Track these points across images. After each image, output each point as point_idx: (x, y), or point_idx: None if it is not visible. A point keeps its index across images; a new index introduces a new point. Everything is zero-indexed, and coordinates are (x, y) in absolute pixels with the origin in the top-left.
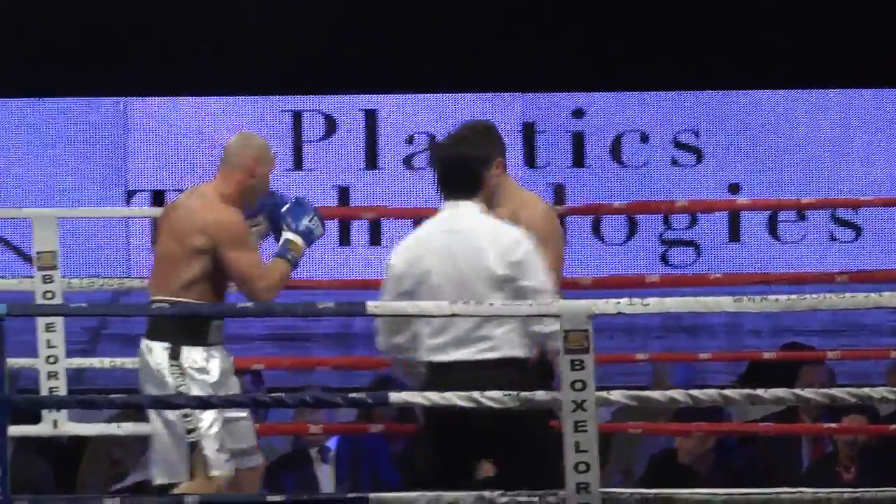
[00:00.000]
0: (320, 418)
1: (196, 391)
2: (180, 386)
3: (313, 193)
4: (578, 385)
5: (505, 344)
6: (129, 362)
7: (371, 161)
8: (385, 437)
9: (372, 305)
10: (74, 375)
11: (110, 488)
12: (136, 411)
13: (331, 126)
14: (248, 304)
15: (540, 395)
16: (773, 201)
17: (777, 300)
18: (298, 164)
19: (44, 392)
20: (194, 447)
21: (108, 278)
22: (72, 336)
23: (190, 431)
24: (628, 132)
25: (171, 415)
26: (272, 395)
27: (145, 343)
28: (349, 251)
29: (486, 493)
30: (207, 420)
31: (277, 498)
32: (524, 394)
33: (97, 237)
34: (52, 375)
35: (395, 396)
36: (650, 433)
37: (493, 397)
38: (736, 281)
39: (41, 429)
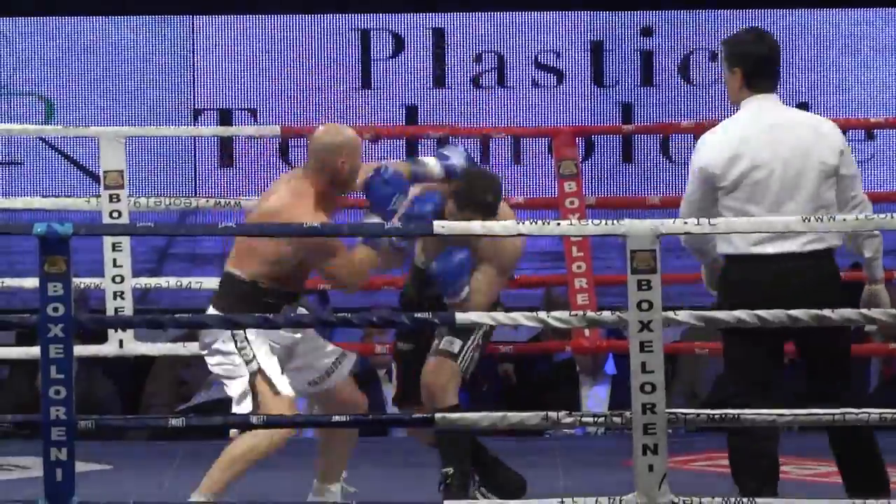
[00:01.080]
0: (387, 339)
1: (262, 352)
2: (242, 348)
3: (381, 112)
4: (645, 305)
5: (829, 235)
6: (194, 282)
7: (439, 79)
8: None
9: (438, 225)
10: (141, 295)
11: (176, 408)
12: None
13: (399, 44)
14: (316, 225)
15: (606, 314)
16: (842, 120)
17: (845, 220)
18: (367, 82)
19: (110, 312)
20: (255, 376)
21: (175, 198)
22: (138, 256)
23: (249, 362)
24: (697, 51)
25: (226, 354)
26: (338, 314)
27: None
28: None
29: (552, 413)
30: (262, 344)
31: (342, 417)
32: (591, 314)
33: (164, 156)
34: (118, 295)
35: (461, 316)
36: (716, 354)
37: (559, 317)
38: None
39: (107, 349)
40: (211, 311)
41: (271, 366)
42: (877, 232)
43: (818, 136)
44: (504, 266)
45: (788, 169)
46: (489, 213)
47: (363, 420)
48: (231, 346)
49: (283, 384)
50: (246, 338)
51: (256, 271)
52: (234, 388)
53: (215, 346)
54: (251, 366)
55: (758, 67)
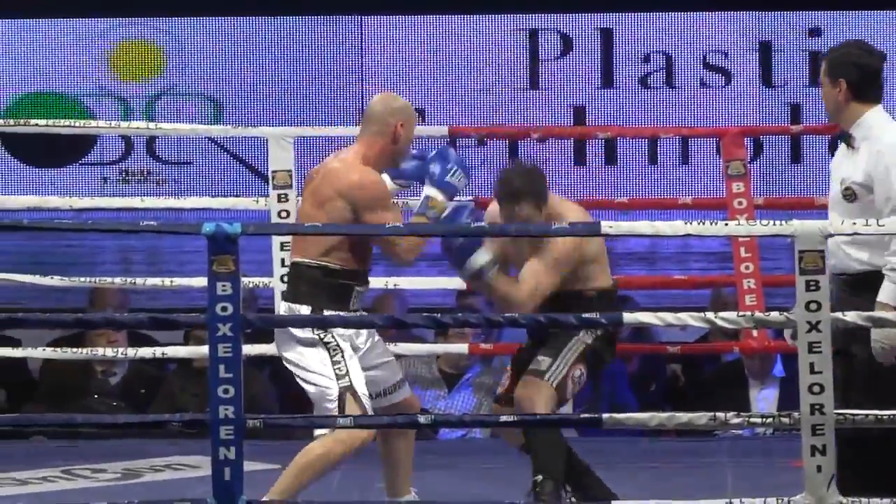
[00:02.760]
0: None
1: (352, 360)
2: (334, 354)
3: (549, 112)
4: (813, 306)
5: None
6: None
7: (607, 80)
8: (622, 359)
9: (606, 225)
10: None
11: None
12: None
13: (566, 44)
14: (483, 225)
15: (774, 315)
16: None
17: None
18: (534, 83)
19: (278, 311)
20: (345, 393)
21: None
22: None
23: (339, 378)
24: None
25: (313, 359)
26: (504, 315)
27: (287, 305)
28: (584, 171)
29: (720, 414)
30: (354, 368)
31: (508, 417)
32: (758, 315)
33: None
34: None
35: (629, 317)
36: None
37: (726, 317)
38: None
39: (274, 348)
40: (282, 305)
41: (359, 381)
42: None
43: None
44: (555, 260)
45: None
46: (542, 198)
47: (530, 421)
48: (323, 354)
49: (368, 402)
50: (338, 345)
51: (322, 253)
52: (317, 396)
53: (300, 350)
54: (342, 381)
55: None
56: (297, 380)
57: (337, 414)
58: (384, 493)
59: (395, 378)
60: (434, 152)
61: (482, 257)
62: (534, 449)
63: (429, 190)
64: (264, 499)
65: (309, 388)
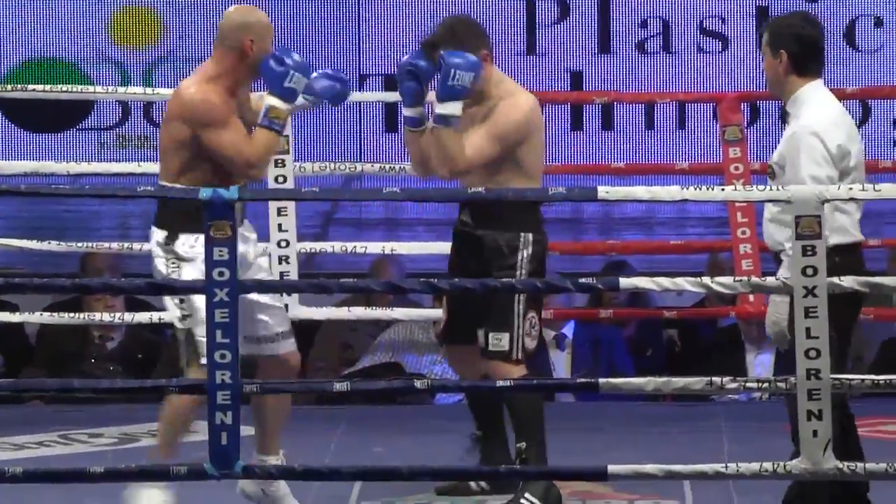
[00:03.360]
0: (553, 304)
1: (189, 276)
2: (172, 273)
3: (546, 78)
4: (809, 271)
5: None
6: (359, 247)
7: (604, 45)
8: (619, 324)
9: (603, 191)
10: (305, 260)
11: (341, 373)
12: (365, 296)
13: (564, 10)
14: (480, 189)
15: (770, 280)
16: None
17: None
18: (531, 48)
19: (275, 276)
20: (188, 334)
21: (340, 163)
22: (303, 221)
23: (184, 318)
24: (861, 17)
25: (169, 301)
26: (504, 279)
27: (152, 228)
28: (581, 136)
29: (716, 379)
30: (202, 306)
31: (505, 382)
32: (755, 280)
33: (330, 121)
34: (283, 260)
35: (625, 282)
36: (882, 319)
37: (723, 282)
38: None
39: None
40: (154, 229)
41: (202, 329)
42: None
43: None
44: (501, 132)
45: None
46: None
47: (527, 385)
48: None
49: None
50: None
51: (176, 173)
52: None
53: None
54: (184, 322)
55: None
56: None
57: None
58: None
59: (281, 327)
60: (269, 59)
61: (457, 108)
62: (516, 417)
63: (269, 99)
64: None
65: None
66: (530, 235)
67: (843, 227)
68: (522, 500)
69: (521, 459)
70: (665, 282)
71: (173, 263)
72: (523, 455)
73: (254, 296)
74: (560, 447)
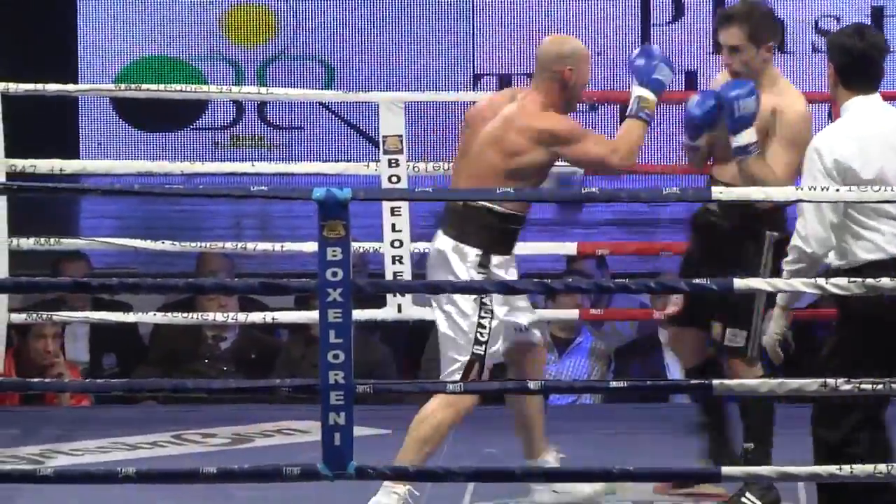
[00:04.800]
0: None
1: (492, 325)
2: (484, 318)
3: None
4: None
5: None
6: None
7: (718, 45)
8: None
9: (717, 191)
10: (419, 260)
11: None
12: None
13: (679, 10)
14: (594, 190)
15: (885, 281)
16: None
17: None
18: None
19: (388, 276)
20: (477, 358)
21: (453, 162)
22: (417, 220)
23: (478, 343)
24: None
25: (468, 308)
26: (616, 280)
27: (453, 243)
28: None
29: (830, 380)
30: (494, 339)
31: (619, 383)
32: (869, 280)
33: (443, 121)
34: (396, 259)
35: (740, 283)
36: None
37: (837, 283)
38: None
39: (385, 313)
40: (445, 240)
41: (493, 354)
42: None
43: None
44: (793, 137)
45: None
46: (758, 33)
47: (639, 386)
48: (475, 309)
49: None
50: (492, 309)
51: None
52: (451, 357)
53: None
54: (477, 348)
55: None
56: (438, 312)
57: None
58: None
59: (531, 317)
60: (637, 51)
61: (751, 135)
62: (749, 418)
63: (638, 90)
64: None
65: (446, 331)
66: (775, 234)
67: (872, 244)
68: (744, 500)
69: (747, 460)
70: (780, 283)
71: (487, 311)
72: (749, 455)
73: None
74: (674, 448)
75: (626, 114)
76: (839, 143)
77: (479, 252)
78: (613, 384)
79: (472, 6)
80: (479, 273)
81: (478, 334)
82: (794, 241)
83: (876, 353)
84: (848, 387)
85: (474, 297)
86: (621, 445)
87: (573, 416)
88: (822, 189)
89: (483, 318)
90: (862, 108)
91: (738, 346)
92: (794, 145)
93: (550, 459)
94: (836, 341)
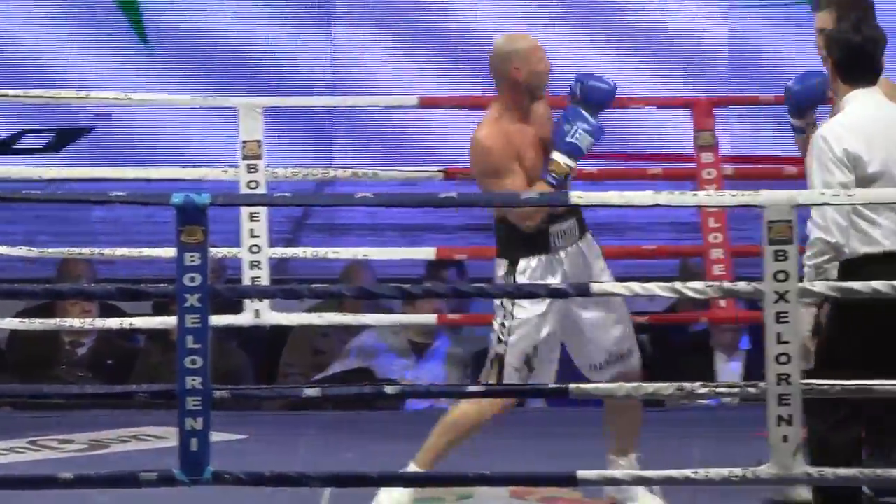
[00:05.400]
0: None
1: (525, 308)
2: (508, 306)
3: None
4: (781, 276)
5: None
6: (331, 252)
7: None
8: None
9: (576, 196)
10: (277, 265)
11: (311, 378)
12: (337, 301)
13: None
14: (452, 195)
15: (741, 285)
16: None
17: None
18: None
19: (246, 282)
20: (499, 357)
21: (312, 168)
22: (275, 226)
23: (500, 342)
24: None
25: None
26: (475, 285)
27: (495, 259)
28: None
29: (686, 384)
30: (520, 333)
31: (478, 388)
32: (726, 284)
33: (301, 127)
34: (254, 265)
35: (597, 287)
36: None
37: (694, 287)
38: None
39: (243, 318)
40: (497, 260)
41: (516, 351)
42: None
43: None
44: None
45: None
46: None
47: (495, 391)
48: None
49: (510, 380)
50: (509, 309)
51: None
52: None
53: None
54: (499, 347)
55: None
56: None
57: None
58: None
59: (619, 347)
60: (566, 110)
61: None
62: None
63: (553, 154)
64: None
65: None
66: None
67: (870, 236)
68: None
69: None
70: (637, 287)
71: (505, 310)
72: None
73: (601, 312)
74: (530, 453)
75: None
76: (846, 134)
77: (506, 262)
78: (471, 389)
79: (329, 9)
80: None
81: (499, 333)
82: (815, 233)
83: (855, 350)
84: (704, 390)
85: (498, 312)
86: (477, 449)
87: (430, 420)
88: (840, 183)
89: (503, 318)
90: (863, 102)
91: None
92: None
93: (624, 464)
94: (821, 339)
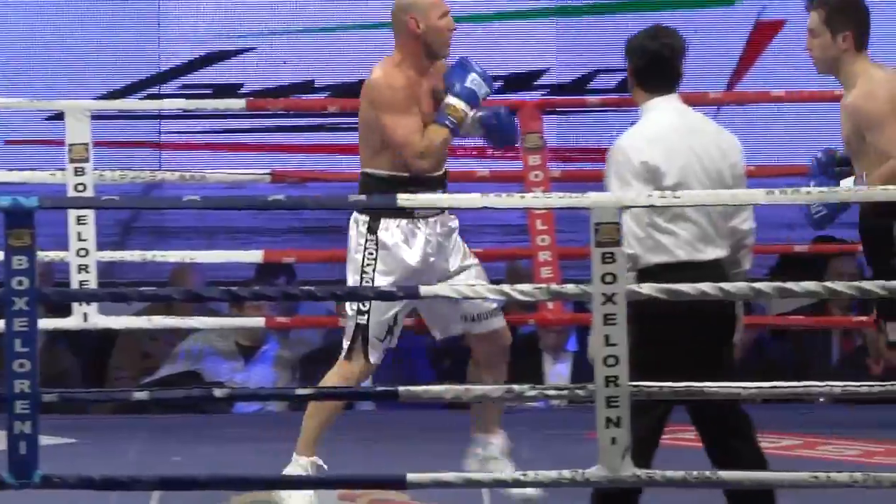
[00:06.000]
0: None
1: (384, 266)
2: (367, 264)
3: None
4: (609, 278)
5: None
6: (159, 255)
7: None
8: (419, 333)
9: (403, 198)
10: (105, 269)
11: (141, 382)
12: (166, 305)
13: None
14: (280, 197)
15: (569, 287)
16: None
17: (809, 192)
18: None
19: (74, 285)
20: (359, 328)
21: (140, 171)
22: (102, 229)
23: (361, 313)
24: None
25: (349, 280)
26: (302, 287)
27: (353, 216)
28: None
29: (515, 387)
30: (381, 308)
31: (307, 391)
32: (554, 287)
33: (129, 130)
34: (82, 268)
35: (426, 290)
36: None
37: (522, 290)
38: (767, 173)
39: (71, 322)
40: (356, 215)
41: (374, 328)
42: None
43: (729, 145)
44: (869, 122)
45: (716, 177)
46: (832, 16)
47: (327, 394)
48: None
49: (373, 350)
50: (373, 279)
51: (371, 158)
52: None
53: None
54: (360, 317)
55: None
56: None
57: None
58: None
59: (485, 306)
60: (456, 61)
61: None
62: None
63: (448, 98)
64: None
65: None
66: None
67: (664, 247)
68: None
69: None
70: (465, 289)
71: (370, 252)
72: None
73: (462, 277)
74: (359, 455)
75: (435, 119)
76: (646, 145)
77: (367, 219)
78: (300, 392)
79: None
80: (368, 239)
81: (359, 304)
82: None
83: (663, 352)
84: (533, 392)
85: (353, 269)
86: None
87: (258, 424)
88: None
89: (365, 269)
90: (663, 110)
91: (894, 340)
92: (881, 124)
93: (494, 443)
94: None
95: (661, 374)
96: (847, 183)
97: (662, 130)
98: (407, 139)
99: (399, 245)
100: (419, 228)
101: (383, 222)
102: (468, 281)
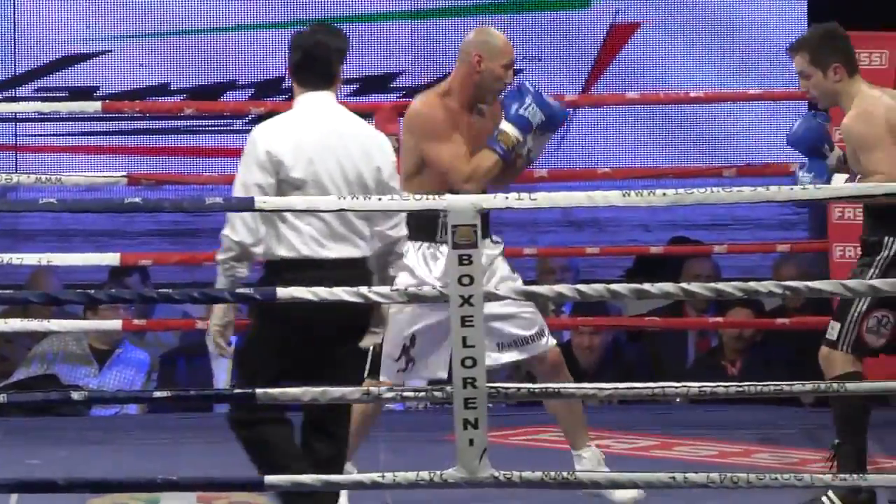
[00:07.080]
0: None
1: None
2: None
3: None
4: (466, 280)
5: (370, 243)
6: (15, 258)
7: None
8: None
9: (260, 201)
10: None
11: None
12: (22, 308)
13: None
14: (136, 199)
15: (427, 290)
16: None
17: (664, 194)
18: None
19: None
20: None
21: None
22: None
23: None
24: None
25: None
26: (159, 290)
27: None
28: None
29: (374, 389)
30: (393, 321)
31: (164, 393)
32: (411, 289)
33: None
34: None
35: (283, 292)
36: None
37: (380, 292)
38: (625, 175)
39: None
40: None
41: (392, 346)
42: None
43: (375, 147)
44: (864, 141)
45: (354, 179)
46: (818, 56)
47: (185, 396)
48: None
49: (386, 369)
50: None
51: (403, 182)
52: None
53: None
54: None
55: (318, 62)
56: None
57: None
58: None
59: (527, 331)
60: (511, 87)
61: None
62: (836, 415)
63: (502, 124)
64: None
65: None
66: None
67: (288, 241)
68: (823, 499)
69: (833, 456)
70: (323, 292)
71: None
72: (835, 452)
73: (493, 306)
74: (218, 458)
75: (487, 142)
76: (276, 136)
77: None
78: (157, 394)
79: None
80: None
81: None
82: (224, 230)
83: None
84: (391, 395)
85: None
86: (166, 455)
87: (116, 426)
88: (257, 184)
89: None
90: (308, 105)
91: (831, 338)
92: (872, 146)
93: (586, 455)
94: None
95: (259, 375)
96: (839, 179)
97: (301, 124)
98: (452, 164)
99: (417, 267)
100: (441, 253)
101: (410, 245)
102: (498, 310)
